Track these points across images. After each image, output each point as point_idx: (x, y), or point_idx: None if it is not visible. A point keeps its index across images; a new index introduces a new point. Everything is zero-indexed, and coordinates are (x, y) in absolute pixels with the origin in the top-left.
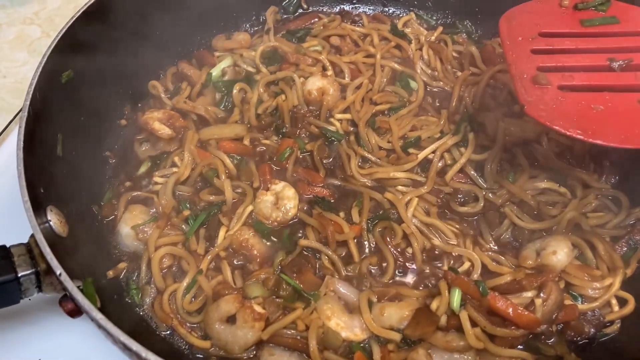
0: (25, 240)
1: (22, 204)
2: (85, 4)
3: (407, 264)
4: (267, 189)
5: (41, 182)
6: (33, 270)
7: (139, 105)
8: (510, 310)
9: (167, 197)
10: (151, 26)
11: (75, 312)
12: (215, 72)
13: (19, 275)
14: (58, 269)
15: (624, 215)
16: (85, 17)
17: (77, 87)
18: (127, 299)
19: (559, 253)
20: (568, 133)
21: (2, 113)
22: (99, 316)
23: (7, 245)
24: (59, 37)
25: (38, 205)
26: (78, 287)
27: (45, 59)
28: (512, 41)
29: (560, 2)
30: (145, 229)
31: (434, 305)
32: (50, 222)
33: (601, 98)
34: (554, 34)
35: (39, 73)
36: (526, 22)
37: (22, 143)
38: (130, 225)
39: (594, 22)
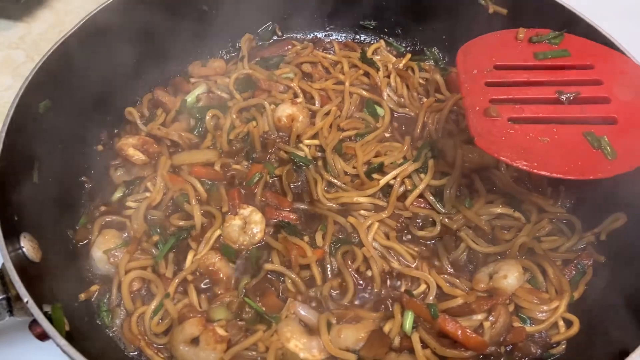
0: None
1: None
2: (68, 32)
3: (367, 287)
4: (236, 214)
5: (16, 210)
6: (4, 296)
7: (116, 131)
8: (459, 332)
9: (139, 221)
10: (130, 53)
11: (44, 336)
12: (190, 98)
13: None
14: (25, 297)
15: (576, 239)
16: (64, 47)
17: (55, 115)
18: (97, 321)
19: (510, 277)
20: (514, 164)
21: None
22: (62, 342)
23: None
24: (36, 68)
25: (11, 233)
26: (46, 312)
27: (22, 90)
28: (467, 74)
29: (516, 35)
30: (117, 253)
31: (386, 327)
32: (23, 249)
33: (549, 130)
34: (508, 67)
35: (15, 104)
36: (482, 54)
37: None
38: (103, 250)
39: (547, 55)
